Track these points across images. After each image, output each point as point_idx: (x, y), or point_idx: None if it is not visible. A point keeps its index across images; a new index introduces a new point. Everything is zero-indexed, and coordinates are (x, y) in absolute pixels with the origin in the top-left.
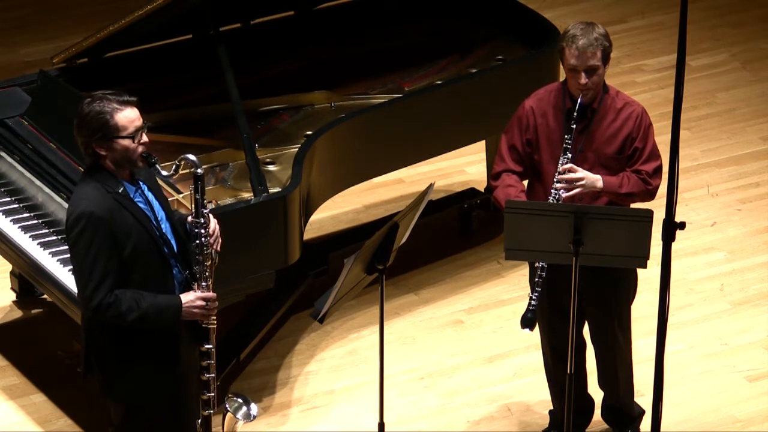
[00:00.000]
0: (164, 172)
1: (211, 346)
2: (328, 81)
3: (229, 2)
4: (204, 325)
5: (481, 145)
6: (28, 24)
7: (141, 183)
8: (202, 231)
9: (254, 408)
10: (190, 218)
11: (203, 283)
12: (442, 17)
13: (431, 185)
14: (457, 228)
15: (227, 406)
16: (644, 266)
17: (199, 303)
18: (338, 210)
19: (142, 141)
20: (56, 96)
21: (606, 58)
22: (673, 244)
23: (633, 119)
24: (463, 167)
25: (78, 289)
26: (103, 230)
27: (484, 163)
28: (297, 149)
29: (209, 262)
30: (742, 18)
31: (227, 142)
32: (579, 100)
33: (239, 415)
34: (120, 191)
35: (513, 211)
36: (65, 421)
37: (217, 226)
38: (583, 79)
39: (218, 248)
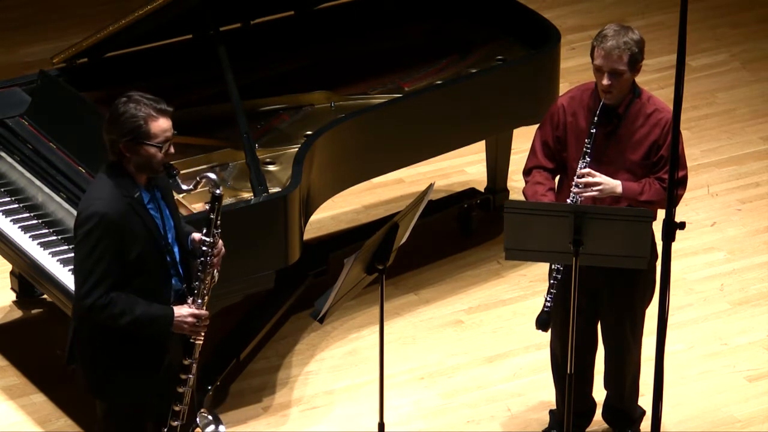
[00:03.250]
0: (183, 186)
1: (192, 360)
2: (328, 81)
3: (229, 2)
4: (191, 340)
5: (481, 145)
6: (28, 24)
7: (156, 190)
8: (210, 250)
9: (222, 429)
10: (197, 236)
11: (199, 300)
12: (442, 17)
13: (431, 185)
14: (457, 228)
15: (197, 420)
16: (644, 266)
17: (190, 320)
18: (338, 210)
19: (168, 152)
20: (56, 96)
21: (633, 64)
22: (673, 244)
23: (661, 126)
24: (463, 167)
25: (75, 285)
26: (113, 233)
27: (484, 163)
28: (297, 149)
29: (209, 281)
30: (742, 18)
31: (227, 141)
32: (602, 102)
33: (207, 431)
34: (135, 196)
35: (513, 210)
36: (65, 421)
37: (223, 249)
38: (605, 80)
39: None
